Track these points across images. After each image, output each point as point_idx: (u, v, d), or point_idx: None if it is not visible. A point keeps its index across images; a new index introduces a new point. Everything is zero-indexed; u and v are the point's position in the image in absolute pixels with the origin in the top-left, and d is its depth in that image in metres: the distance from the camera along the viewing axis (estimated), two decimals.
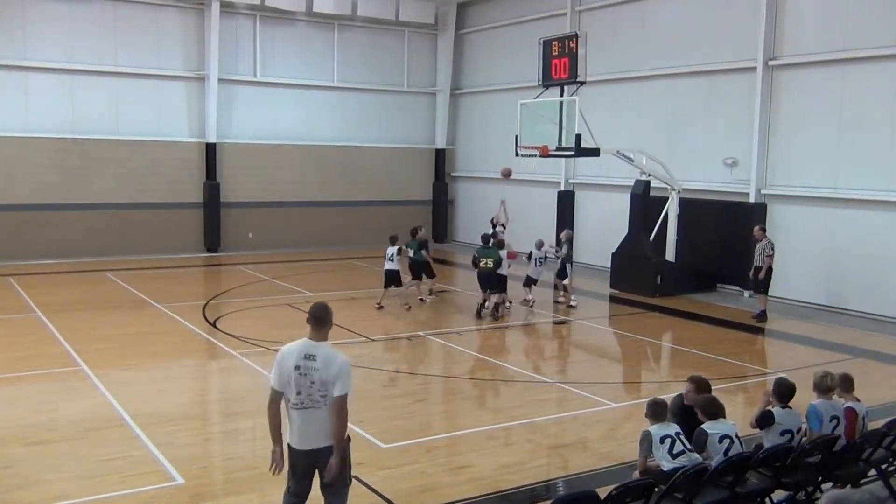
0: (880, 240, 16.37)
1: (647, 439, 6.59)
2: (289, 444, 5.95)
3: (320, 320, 5.99)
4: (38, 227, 22.03)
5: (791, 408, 7.10)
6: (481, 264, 15.93)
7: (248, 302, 17.13)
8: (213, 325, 14.86)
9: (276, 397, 5.91)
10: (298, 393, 5.81)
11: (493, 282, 15.93)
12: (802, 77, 17.79)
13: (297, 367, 5.82)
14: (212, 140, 24.52)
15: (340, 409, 5.79)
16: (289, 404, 5.88)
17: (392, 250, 16.71)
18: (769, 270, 15.88)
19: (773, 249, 15.93)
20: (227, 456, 8.73)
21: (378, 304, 16.57)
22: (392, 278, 16.71)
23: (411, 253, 17.08)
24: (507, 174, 18.02)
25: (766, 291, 16.16)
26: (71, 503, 7.27)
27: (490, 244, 16.28)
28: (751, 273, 16.24)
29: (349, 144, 26.90)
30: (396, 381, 11.59)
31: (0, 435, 8.93)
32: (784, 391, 7.10)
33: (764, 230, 16.27)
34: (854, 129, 16.82)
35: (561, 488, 7.94)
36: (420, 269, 17.14)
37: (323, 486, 5.94)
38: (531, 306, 16.73)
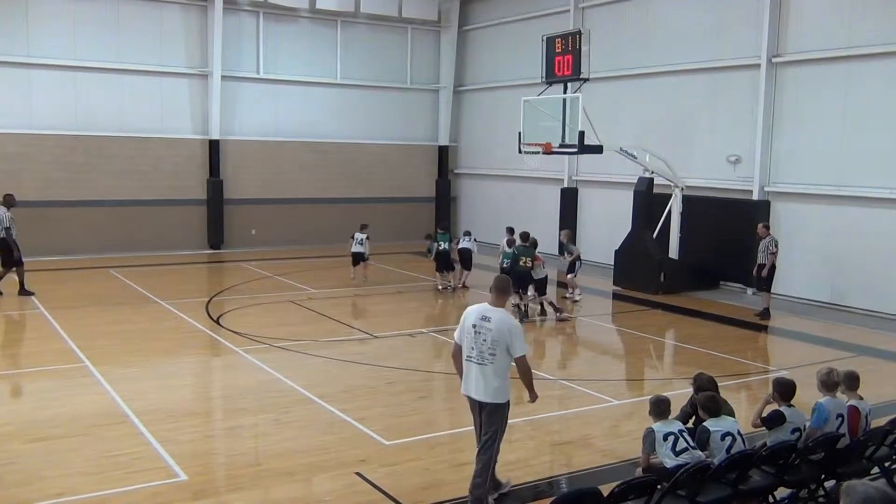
0: (884, 237, 16.33)
1: (650, 436, 6.58)
2: (464, 393, 7.11)
3: (502, 290, 7.07)
4: (42, 223, 22.03)
5: (794, 405, 7.09)
6: (520, 263, 15.60)
7: (251, 299, 17.14)
8: (217, 321, 14.87)
9: (456, 348, 7.18)
10: (472, 348, 6.93)
11: (528, 281, 15.79)
12: (806, 74, 17.75)
13: (474, 326, 6.92)
14: (215, 137, 24.53)
15: (524, 367, 6.96)
16: (465, 356, 7.02)
17: (360, 236, 19.03)
18: (772, 268, 15.86)
19: (776, 247, 15.91)
20: (230, 453, 8.73)
21: (353, 277, 19.11)
22: (357, 258, 19.04)
23: (443, 245, 18.33)
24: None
25: (768, 289, 16.13)
26: (74, 499, 7.28)
27: (528, 242, 16.05)
28: (754, 270, 16.22)
29: (352, 141, 26.90)
30: (399, 377, 11.58)
31: (3, 431, 8.95)
32: (787, 390, 7.09)
33: (768, 228, 16.23)
34: (858, 127, 16.78)
35: (564, 485, 7.95)
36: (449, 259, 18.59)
37: (482, 430, 7.12)
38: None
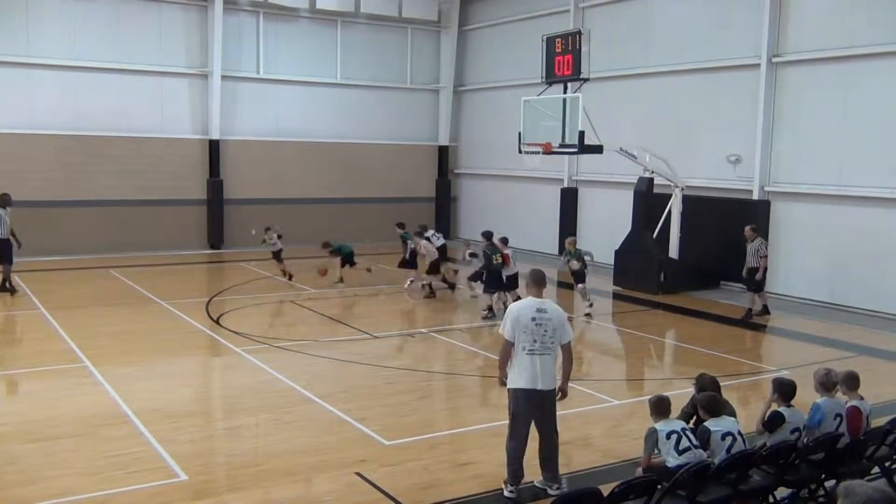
0: (884, 237, 16.34)
1: (652, 436, 6.58)
2: (520, 388, 7.25)
3: (541, 281, 7.50)
4: (42, 223, 22.03)
5: (793, 405, 7.09)
6: (493, 262, 15.59)
7: (251, 299, 17.14)
8: (217, 321, 14.87)
9: (508, 346, 7.29)
10: (534, 341, 7.19)
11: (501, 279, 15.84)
12: (806, 74, 17.75)
13: (533, 319, 7.19)
14: (215, 137, 24.54)
15: (570, 351, 7.49)
16: (524, 351, 7.21)
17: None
18: (765, 270, 15.84)
19: (766, 249, 15.92)
20: (230, 453, 8.72)
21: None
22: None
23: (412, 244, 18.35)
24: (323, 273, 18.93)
25: (761, 289, 16.11)
26: (74, 499, 7.28)
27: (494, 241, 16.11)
28: (744, 272, 16.05)
29: (352, 141, 26.90)
30: (399, 377, 11.58)
31: (3, 431, 8.95)
32: (787, 390, 7.08)
33: (755, 230, 16.06)
34: (857, 126, 16.78)
35: (564, 485, 7.94)
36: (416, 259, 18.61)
37: (543, 420, 7.43)
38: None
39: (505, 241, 16.16)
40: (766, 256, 15.80)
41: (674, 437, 6.48)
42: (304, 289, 18.39)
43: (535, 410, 7.35)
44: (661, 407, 6.74)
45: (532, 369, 7.21)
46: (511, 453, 7.42)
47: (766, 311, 16.11)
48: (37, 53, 22.12)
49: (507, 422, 7.51)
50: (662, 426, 6.59)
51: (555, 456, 7.56)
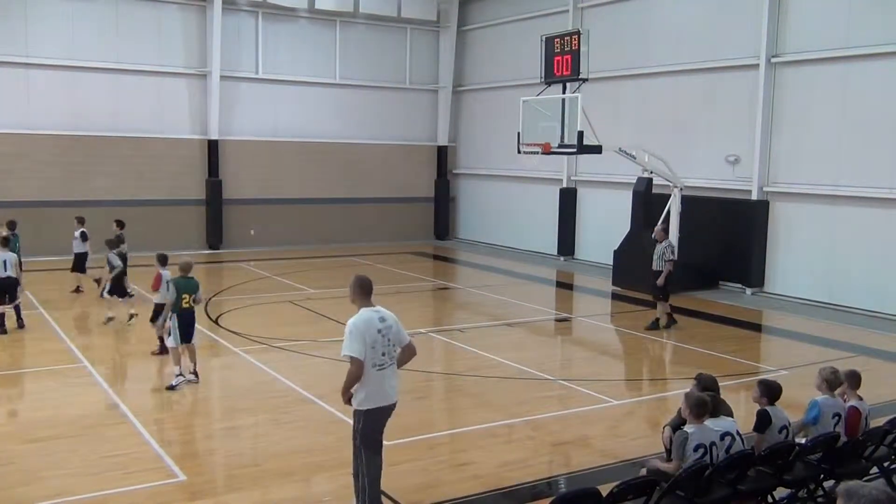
0: (882, 237, 16.35)
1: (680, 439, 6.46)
2: (375, 408, 6.63)
3: (371, 288, 6.76)
4: (40, 223, 22.01)
5: (776, 405, 7.07)
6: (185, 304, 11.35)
7: (250, 299, 17.13)
8: (216, 322, 14.86)
9: (361, 367, 6.49)
10: (382, 354, 6.60)
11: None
12: (805, 74, 17.76)
13: (380, 331, 6.57)
14: (213, 137, 24.53)
15: (413, 347, 6.88)
16: (374, 368, 6.54)
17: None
18: (668, 276, 14.72)
19: (673, 253, 14.85)
20: (229, 453, 8.72)
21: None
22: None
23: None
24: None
25: (666, 298, 14.95)
26: (73, 499, 7.28)
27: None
28: (652, 277, 15.13)
29: (351, 141, 26.90)
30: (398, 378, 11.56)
31: (2, 431, 8.96)
32: (774, 392, 7.06)
33: (666, 231, 14.95)
34: (856, 127, 16.79)
35: (563, 485, 7.94)
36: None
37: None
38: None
39: (162, 258, 13.15)
40: (671, 261, 14.72)
41: (727, 438, 6.45)
42: (302, 289, 18.37)
43: (384, 425, 6.83)
44: (704, 408, 6.50)
45: (383, 385, 6.63)
46: (378, 476, 6.80)
47: (668, 324, 14.93)
48: (35, 53, 22.10)
49: (356, 448, 6.79)
50: (713, 423, 6.52)
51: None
